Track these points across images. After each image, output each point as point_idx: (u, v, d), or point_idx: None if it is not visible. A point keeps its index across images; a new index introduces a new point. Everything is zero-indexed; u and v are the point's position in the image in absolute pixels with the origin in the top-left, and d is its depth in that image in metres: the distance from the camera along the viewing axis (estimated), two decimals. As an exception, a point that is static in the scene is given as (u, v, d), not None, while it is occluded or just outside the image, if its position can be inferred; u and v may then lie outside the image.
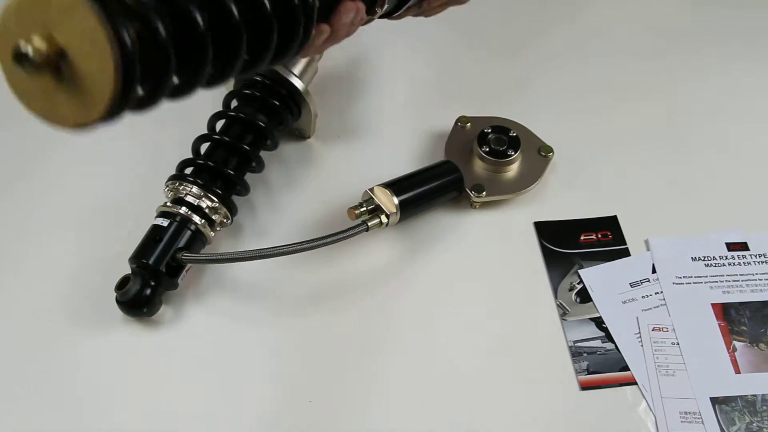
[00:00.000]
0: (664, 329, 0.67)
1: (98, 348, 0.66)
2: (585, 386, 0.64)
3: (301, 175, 0.79)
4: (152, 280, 0.66)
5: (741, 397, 0.63)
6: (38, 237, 0.74)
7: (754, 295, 0.69)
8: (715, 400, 0.63)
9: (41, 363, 0.65)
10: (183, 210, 0.67)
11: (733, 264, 0.72)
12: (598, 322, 0.68)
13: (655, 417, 0.62)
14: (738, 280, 0.70)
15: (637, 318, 0.68)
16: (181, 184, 0.69)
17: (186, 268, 0.68)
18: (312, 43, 0.55)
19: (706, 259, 0.72)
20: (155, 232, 0.67)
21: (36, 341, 0.67)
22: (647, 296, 0.70)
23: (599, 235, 0.74)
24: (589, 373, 0.65)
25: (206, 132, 0.74)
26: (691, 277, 0.71)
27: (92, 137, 0.81)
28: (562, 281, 0.71)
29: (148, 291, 0.65)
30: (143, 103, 0.43)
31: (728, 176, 0.79)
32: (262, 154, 0.74)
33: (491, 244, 0.74)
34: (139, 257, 0.66)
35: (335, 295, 0.70)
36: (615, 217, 0.75)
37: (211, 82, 0.48)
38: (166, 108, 0.83)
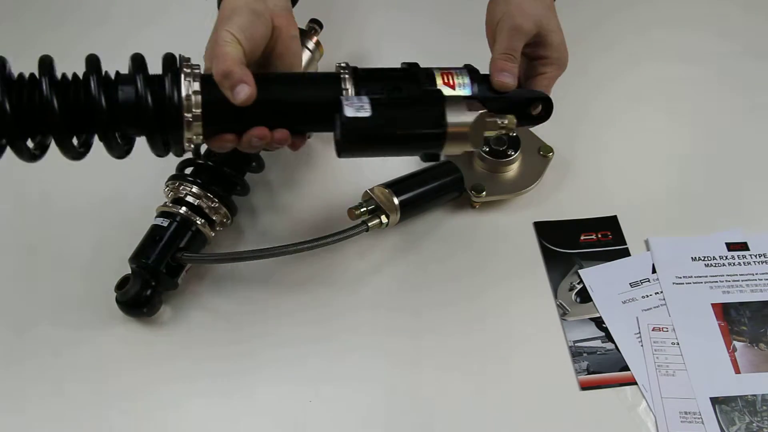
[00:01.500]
0: (664, 329, 0.67)
1: (98, 348, 0.66)
2: (585, 386, 0.64)
3: (301, 175, 0.79)
4: (152, 280, 0.66)
5: (741, 397, 0.63)
6: (38, 237, 0.74)
7: (754, 295, 0.69)
8: (715, 400, 0.63)
9: (41, 362, 0.65)
10: (183, 210, 0.67)
11: (733, 264, 0.71)
12: (598, 322, 0.68)
13: (655, 417, 0.62)
14: (738, 280, 0.70)
15: (637, 318, 0.68)
16: (181, 184, 0.69)
17: (186, 268, 0.68)
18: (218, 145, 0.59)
19: (706, 259, 0.72)
20: (155, 232, 0.67)
21: (36, 341, 0.67)
22: (647, 296, 0.70)
23: (599, 235, 0.74)
24: (589, 373, 0.65)
25: (206, 132, 0.73)
26: (691, 277, 0.71)
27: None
28: (562, 281, 0.71)
29: (148, 291, 0.65)
30: None
31: (728, 176, 0.79)
32: (262, 153, 0.74)
33: (491, 244, 0.74)
34: (139, 257, 0.66)
35: (335, 295, 0.70)
36: (615, 217, 0.75)
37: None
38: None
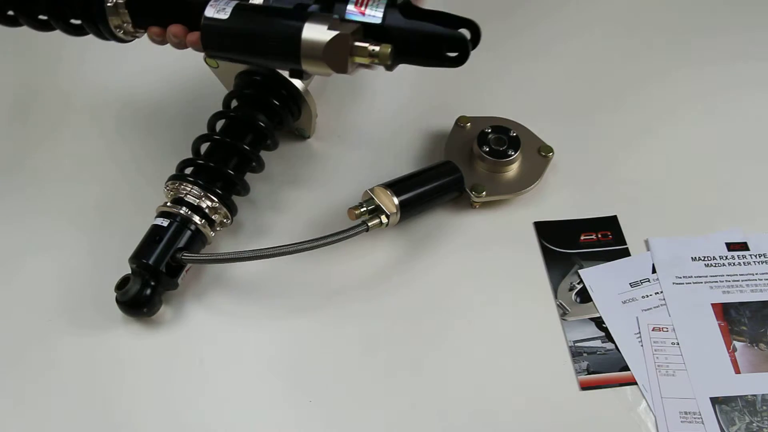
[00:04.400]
0: (664, 329, 0.67)
1: (98, 348, 0.66)
2: (585, 386, 0.64)
3: (301, 175, 0.79)
4: (152, 280, 0.66)
5: (741, 397, 0.63)
6: (38, 237, 0.74)
7: (754, 295, 0.69)
8: (715, 400, 0.63)
9: (41, 363, 0.65)
10: (183, 210, 0.67)
11: (733, 264, 0.72)
12: (598, 322, 0.68)
13: (655, 417, 0.62)
14: (738, 280, 0.70)
15: (637, 318, 0.68)
16: (181, 184, 0.69)
17: (186, 268, 0.68)
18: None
19: (706, 259, 0.72)
20: (155, 232, 0.67)
21: (36, 341, 0.67)
22: (647, 296, 0.70)
23: (599, 235, 0.74)
24: (589, 373, 0.65)
25: (206, 132, 0.74)
26: (691, 277, 0.71)
27: (93, 137, 0.82)
28: (562, 281, 0.71)
29: (148, 291, 0.65)
30: None
31: (728, 176, 0.79)
32: (262, 154, 0.74)
33: (491, 244, 0.74)
34: (139, 257, 0.66)
35: (335, 295, 0.70)
36: (615, 217, 0.75)
37: None
38: (166, 106, 0.83)
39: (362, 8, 0.60)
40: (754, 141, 0.83)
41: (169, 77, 0.86)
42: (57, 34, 0.93)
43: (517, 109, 0.81)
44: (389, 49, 0.57)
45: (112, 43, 0.91)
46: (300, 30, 0.57)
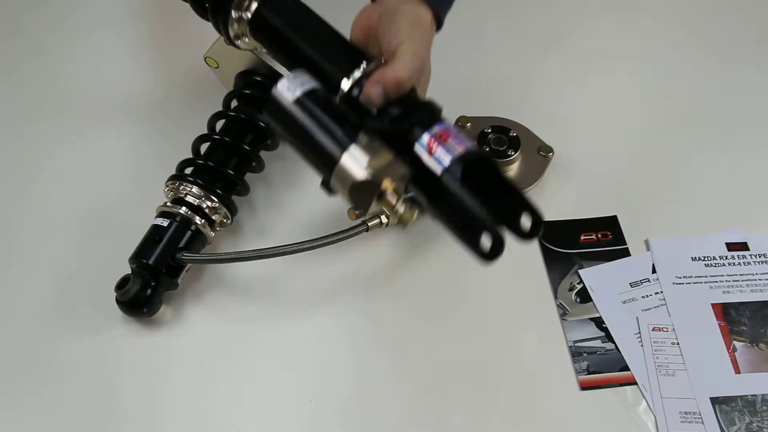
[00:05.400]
0: (664, 329, 0.67)
1: (98, 348, 0.66)
2: (585, 386, 0.64)
3: (302, 175, 0.79)
4: (152, 280, 0.66)
5: (741, 397, 0.63)
6: (38, 237, 0.74)
7: (754, 295, 0.69)
8: (715, 400, 0.63)
9: (41, 363, 0.65)
10: (183, 210, 0.67)
11: (733, 264, 0.71)
12: (598, 322, 0.68)
13: (655, 417, 0.62)
14: (738, 280, 0.70)
15: (637, 318, 0.68)
16: (181, 184, 0.69)
17: (186, 268, 0.68)
18: None
19: (706, 259, 0.72)
20: (155, 232, 0.67)
21: (36, 341, 0.67)
22: (647, 296, 0.70)
23: (599, 235, 0.74)
24: (589, 373, 0.65)
25: (206, 132, 0.74)
26: (691, 277, 0.71)
27: (92, 136, 0.82)
28: (562, 281, 0.71)
29: (148, 291, 0.65)
30: None
31: (728, 176, 0.79)
32: (262, 154, 0.74)
33: (491, 244, 0.74)
34: (139, 257, 0.66)
35: (335, 294, 0.70)
36: (615, 217, 0.75)
37: None
38: (166, 107, 0.83)
39: (435, 146, 0.54)
40: (754, 141, 0.82)
41: (168, 77, 0.86)
42: (56, 34, 0.93)
43: (517, 109, 0.81)
44: (413, 218, 0.53)
45: (111, 43, 0.91)
46: (339, 154, 0.52)
